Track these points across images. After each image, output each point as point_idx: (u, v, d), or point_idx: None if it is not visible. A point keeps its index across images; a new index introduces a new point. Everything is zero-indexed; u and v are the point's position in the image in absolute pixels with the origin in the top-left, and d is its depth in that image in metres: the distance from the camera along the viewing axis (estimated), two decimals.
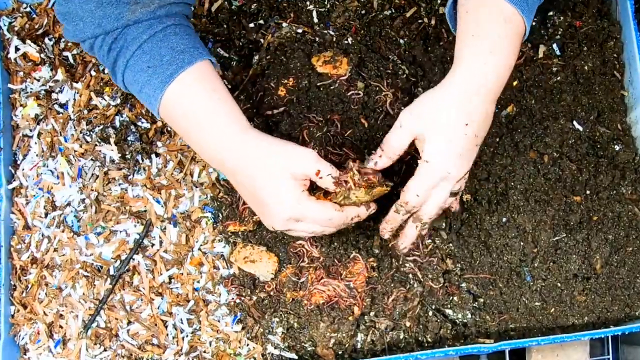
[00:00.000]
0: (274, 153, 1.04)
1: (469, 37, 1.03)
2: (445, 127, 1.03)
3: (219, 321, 1.23)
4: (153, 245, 1.25)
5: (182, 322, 1.23)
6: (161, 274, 1.24)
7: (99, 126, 1.28)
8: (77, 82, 1.32)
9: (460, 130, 1.03)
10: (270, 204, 1.04)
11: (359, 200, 1.07)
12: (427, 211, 1.10)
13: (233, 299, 1.24)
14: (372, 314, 1.22)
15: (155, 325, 1.22)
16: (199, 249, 1.26)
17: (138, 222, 1.25)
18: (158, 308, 1.23)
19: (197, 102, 1.04)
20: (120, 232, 1.26)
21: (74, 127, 1.29)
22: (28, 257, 1.27)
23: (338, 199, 1.07)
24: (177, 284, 1.24)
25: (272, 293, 1.21)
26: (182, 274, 1.24)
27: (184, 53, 1.05)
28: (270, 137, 1.06)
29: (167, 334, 1.22)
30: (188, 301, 1.24)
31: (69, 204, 1.27)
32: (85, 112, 1.30)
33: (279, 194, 1.03)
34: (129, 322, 1.23)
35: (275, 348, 1.22)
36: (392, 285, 1.21)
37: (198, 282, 1.24)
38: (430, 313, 1.23)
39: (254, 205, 1.09)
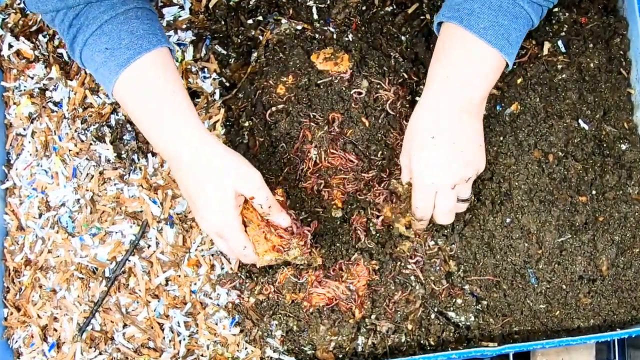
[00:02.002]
0: (228, 165, 1.07)
1: (440, 69, 1.10)
2: (415, 144, 1.10)
3: (216, 324, 1.22)
4: (149, 246, 1.23)
5: (179, 325, 1.21)
6: (157, 276, 1.22)
7: (94, 125, 1.26)
8: (71, 80, 1.30)
9: (429, 144, 1.09)
10: (207, 212, 1.08)
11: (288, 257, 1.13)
12: (439, 218, 1.16)
13: (231, 300, 1.22)
14: (373, 316, 1.20)
15: (152, 328, 1.20)
16: (196, 250, 1.23)
17: (134, 223, 1.23)
18: (154, 311, 1.21)
19: (152, 89, 1.05)
20: (116, 233, 1.24)
21: (69, 126, 1.27)
22: (22, 259, 1.25)
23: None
24: (174, 286, 1.22)
25: (270, 295, 1.20)
26: (179, 275, 1.22)
27: (143, 38, 1.05)
28: (224, 146, 1.09)
29: (164, 337, 1.21)
30: (185, 303, 1.22)
31: (63, 205, 1.25)
32: (80, 110, 1.28)
33: (218, 207, 1.07)
34: (125, 325, 1.21)
35: (274, 351, 1.20)
36: (394, 287, 1.20)
37: (195, 284, 1.22)
38: (433, 316, 1.21)
39: (191, 202, 1.11)
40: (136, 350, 1.20)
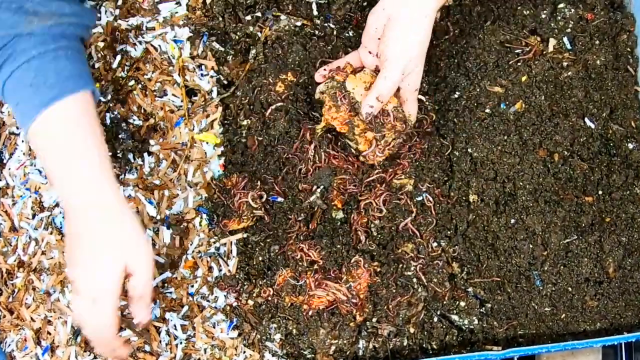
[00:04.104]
0: (129, 236, 1.02)
1: None
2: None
3: (214, 327, 1.19)
4: None
5: (175, 329, 1.18)
6: (154, 278, 1.19)
7: None
8: None
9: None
10: (88, 275, 1.01)
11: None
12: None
13: (229, 303, 1.20)
14: (374, 319, 1.18)
15: (148, 331, 1.18)
16: (193, 252, 1.21)
17: None
18: (150, 313, 1.18)
19: (69, 134, 1.02)
20: None
21: None
22: (15, 261, 1.23)
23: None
24: (171, 289, 1.20)
25: (269, 298, 1.18)
26: (176, 277, 1.20)
27: (69, 80, 1.03)
28: (130, 212, 1.04)
29: (160, 341, 1.18)
30: (182, 306, 1.19)
31: (57, 205, 1.23)
32: None
33: (102, 278, 1.00)
34: (121, 329, 1.18)
35: (273, 355, 1.18)
36: (395, 289, 1.18)
37: (192, 286, 1.20)
38: (435, 319, 1.20)
39: (75, 253, 1.02)
40: (132, 354, 1.17)
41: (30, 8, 1.01)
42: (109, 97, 1.26)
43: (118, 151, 1.23)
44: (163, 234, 1.21)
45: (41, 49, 1.02)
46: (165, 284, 1.20)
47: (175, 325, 1.19)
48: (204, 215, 1.23)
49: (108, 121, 1.25)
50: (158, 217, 1.22)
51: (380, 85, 1.12)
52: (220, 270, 1.21)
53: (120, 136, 1.24)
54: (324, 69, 1.18)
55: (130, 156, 1.23)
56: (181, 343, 1.19)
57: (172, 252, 1.20)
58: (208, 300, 1.20)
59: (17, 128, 1.27)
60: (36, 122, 1.01)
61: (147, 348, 1.18)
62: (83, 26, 1.09)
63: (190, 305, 1.20)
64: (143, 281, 1.03)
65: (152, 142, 1.25)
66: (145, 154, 1.24)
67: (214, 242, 1.22)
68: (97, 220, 1.01)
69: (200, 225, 1.23)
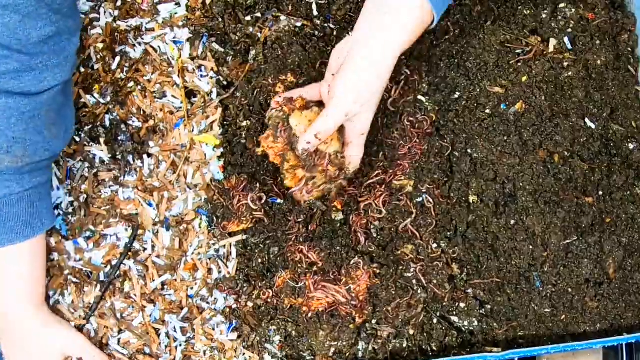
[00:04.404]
0: (56, 332, 1.16)
1: (368, 11, 1.06)
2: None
3: (213, 329, 1.19)
4: (145, 250, 1.21)
5: (175, 331, 1.19)
6: (153, 280, 1.19)
7: (88, 125, 1.24)
8: None
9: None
10: None
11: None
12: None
13: (229, 305, 1.19)
14: (374, 321, 1.18)
15: (147, 333, 1.18)
16: (193, 254, 1.21)
17: (129, 226, 1.21)
18: (150, 316, 1.19)
19: (14, 272, 1.10)
20: (111, 236, 1.21)
21: None
22: None
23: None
24: (170, 291, 1.20)
25: (269, 300, 1.18)
26: (176, 280, 1.20)
27: (27, 226, 1.07)
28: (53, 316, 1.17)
29: (160, 343, 1.18)
30: (182, 309, 1.19)
31: (56, 207, 1.22)
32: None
33: None
34: (120, 331, 1.19)
35: (272, 357, 1.18)
36: (395, 291, 1.17)
37: (192, 288, 1.20)
38: (435, 320, 1.19)
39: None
40: (131, 356, 1.18)
41: (3, 144, 1.00)
42: (108, 99, 1.25)
43: (117, 153, 1.23)
44: (162, 236, 1.21)
45: (6, 191, 1.04)
46: (165, 286, 1.20)
47: (174, 328, 1.19)
48: (204, 217, 1.22)
49: (107, 123, 1.25)
50: (157, 219, 1.21)
51: (320, 123, 1.07)
52: (220, 272, 1.21)
53: (119, 138, 1.24)
54: (279, 96, 1.14)
55: (130, 158, 1.23)
56: (181, 345, 1.19)
57: (172, 254, 1.20)
58: (208, 302, 1.20)
59: None
60: None
61: (146, 350, 1.18)
62: (56, 155, 1.10)
63: (189, 307, 1.19)
64: (90, 357, 1.16)
65: (151, 143, 1.24)
66: (145, 156, 1.24)
67: (214, 244, 1.22)
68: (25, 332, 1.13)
69: (200, 227, 1.22)
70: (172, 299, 1.20)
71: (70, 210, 1.22)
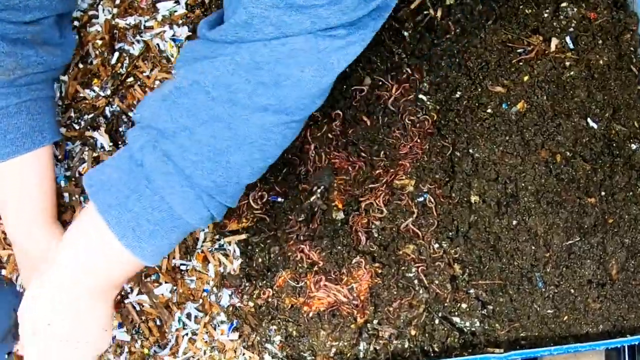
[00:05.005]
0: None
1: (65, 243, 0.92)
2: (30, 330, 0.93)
3: (214, 329, 1.18)
4: None
5: (189, 318, 1.18)
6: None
7: (88, 114, 1.23)
8: (63, 75, 1.26)
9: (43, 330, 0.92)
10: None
11: None
12: None
13: (233, 303, 1.19)
14: (375, 321, 1.18)
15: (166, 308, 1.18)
16: (202, 247, 1.21)
17: None
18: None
19: (21, 189, 1.07)
20: None
21: (60, 115, 1.24)
22: None
23: None
24: (193, 277, 1.20)
25: (269, 299, 1.17)
26: (194, 268, 1.20)
27: (27, 137, 1.05)
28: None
29: (171, 325, 1.18)
30: (196, 300, 1.19)
31: None
32: (73, 103, 1.24)
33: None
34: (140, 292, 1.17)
35: (273, 357, 1.17)
36: (396, 291, 1.17)
37: (208, 283, 1.20)
38: (437, 321, 1.19)
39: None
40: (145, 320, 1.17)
41: None
42: (109, 92, 1.24)
43: (119, 142, 1.22)
44: None
45: (3, 103, 1.03)
46: (187, 271, 1.19)
47: (189, 315, 1.18)
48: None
49: (108, 114, 1.24)
50: None
51: None
52: (225, 268, 1.20)
53: (120, 129, 1.23)
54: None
55: None
56: (187, 335, 1.17)
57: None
58: (217, 298, 1.20)
59: None
60: None
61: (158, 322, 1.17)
62: (50, 70, 1.08)
63: (203, 300, 1.19)
64: None
65: None
66: None
67: (218, 240, 1.21)
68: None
69: None
70: (193, 286, 1.19)
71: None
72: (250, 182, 0.91)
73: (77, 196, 1.19)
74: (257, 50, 0.81)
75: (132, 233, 0.86)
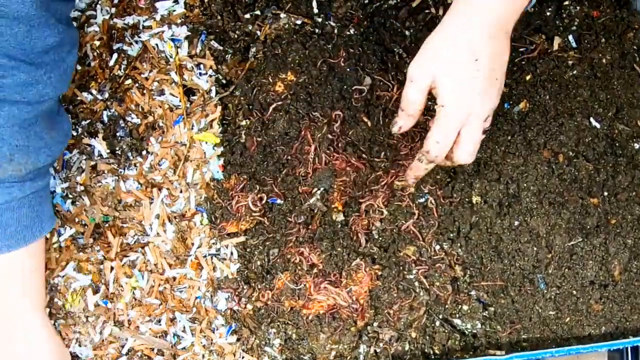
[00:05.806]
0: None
1: None
2: (453, 67, 0.98)
3: (213, 332, 1.18)
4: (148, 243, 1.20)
5: (184, 331, 1.18)
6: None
7: (85, 120, 1.22)
8: None
9: (471, 68, 0.97)
10: None
11: None
12: (464, 156, 1.04)
13: (230, 307, 1.18)
14: (375, 324, 1.17)
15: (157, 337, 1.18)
16: (197, 252, 1.20)
17: None
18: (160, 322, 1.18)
19: (13, 279, 1.09)
20: None
21: None
22: None
23: None
24: (183, 287, 1.20)
25: (268, 302, 1.16)
26: (186, 276, 1.20)
27: (27, 230, 1.07)
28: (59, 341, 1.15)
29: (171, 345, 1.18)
30: (189, 309, 1.19)
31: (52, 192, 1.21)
32: (70, 108, 1.24)
33: None
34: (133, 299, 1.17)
35: None
36: (397, 293, 1.16)
37: (200, 289, 1.19)
38: (438, 323, 1.18)
39: None
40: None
41: (6, 152, 1.00)
42: (106, 95, 1.24)
43: (117, 149, 1.22)
44: (166, 230, 1.20)
45: (7, 198, 1.03)
46: (176, 281, 1.19)
47: (184, 327, 1.18)
48: (204, 214, 1.21)
49: (105, 119, 1.23)
50: (159, 214, 1.20)
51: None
52: (222, 272, 1.20)
53: (118, 134, 1.22)
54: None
55: (130, 154, 1.22)
56: (185, 349, 1.17)
57: (176, 251, 1.19)
58: (213, 303, 1.19)
59: None
60: None
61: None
62: (57, 157, 1.10)
63: (197, 307, 1.18)
64: None
65: (152, 139, 1.23)
66: (145, 152, 1.23)
67: (214, 244, 1.20)
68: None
69: (202, 223, 1.21)
70: (183, 296, 1.19)
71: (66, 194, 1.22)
72: None
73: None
74: None
75: None
